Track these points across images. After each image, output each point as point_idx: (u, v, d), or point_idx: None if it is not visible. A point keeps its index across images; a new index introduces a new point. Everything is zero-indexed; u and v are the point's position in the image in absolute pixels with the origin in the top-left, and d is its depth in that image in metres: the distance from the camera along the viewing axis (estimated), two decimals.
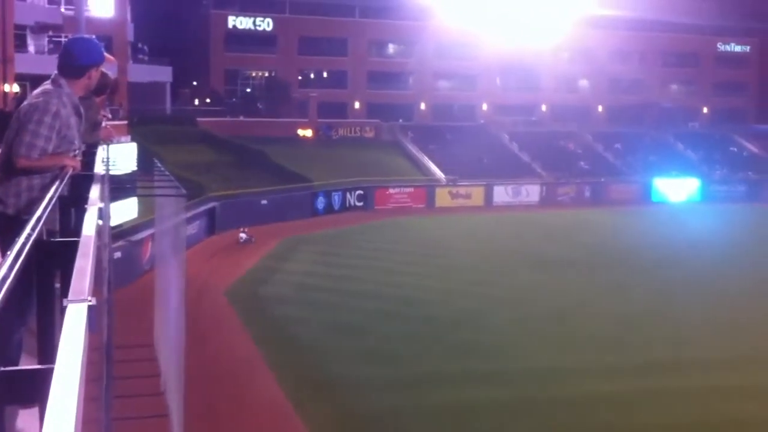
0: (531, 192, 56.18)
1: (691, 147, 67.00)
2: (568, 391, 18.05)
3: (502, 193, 55.20)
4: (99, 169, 5.85)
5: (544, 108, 73.30)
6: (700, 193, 59.71)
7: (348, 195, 49.60)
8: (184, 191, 11.06)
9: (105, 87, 7.46)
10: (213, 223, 39.09)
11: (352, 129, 62.56)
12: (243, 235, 36.96)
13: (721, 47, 79.71)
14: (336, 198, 48.59)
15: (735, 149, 69.32)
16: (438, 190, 54.14)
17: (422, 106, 70.52)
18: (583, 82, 76.29)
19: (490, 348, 21.29)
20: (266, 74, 69.05)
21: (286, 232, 39.89)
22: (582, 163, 61.49)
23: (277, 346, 21.43)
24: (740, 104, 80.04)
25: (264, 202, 43.09)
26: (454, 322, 23.85)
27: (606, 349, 21.44)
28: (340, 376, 19.01)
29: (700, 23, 77.70)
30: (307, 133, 60.30)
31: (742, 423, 16.49)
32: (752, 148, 69.54)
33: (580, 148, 64.66)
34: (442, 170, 56.31)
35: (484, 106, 71.43)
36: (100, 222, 3.96)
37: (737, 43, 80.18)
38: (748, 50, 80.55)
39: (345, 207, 48.98)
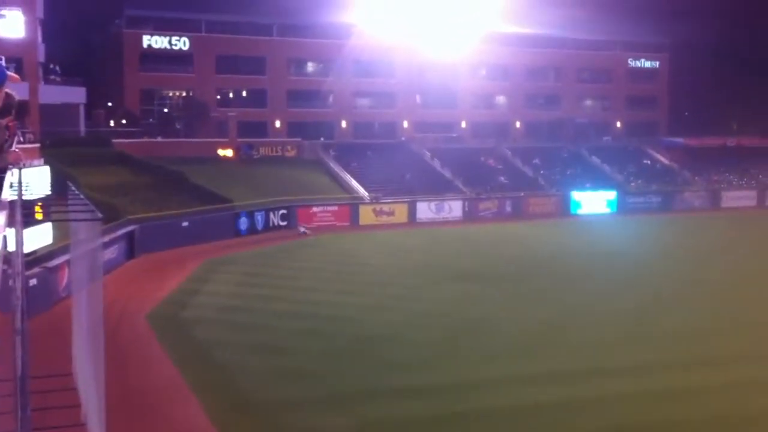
0: (454, 208, 56.70)
1: (606, 160, 68.79)
2: (492, 402, 18.25)
3: (425, 210, 55.55)
4: (7, 194, 5.61)
5: (463, 124, 74.30)
6: (617, 204, 61.28)
7: (271, 215, 49.13)
8: (99, 215, 10.75)
9: (10, 108, 7.17)
10: (132, 247, 38.19)
11: (273, 148, 62.14)
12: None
13: (632, 63, 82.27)
14: (259, 218, 48.08)
15: (648, 161, 71.49)
16: (362, 208, 54.15)
17: (343, 124, 70.65)
18: (501, 99, 77.67)
19: (415, 362, 21.34)
20: (183, 94, 68.15)
21: (208, 253, 39.31)
22: (502, 178, 62.45)
23: (201, 370, 21.01)
24: (652, 117, 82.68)
25: (185, 223, 42.35)
26: (380, 337, 23.83)
27: (528, 358, 21.76)
28: (266, 397, 18.75)
29: (612, 39, 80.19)
30: (228, 152, 59.63)
31: (660, 427, 16.88)
32: (664, 160, 71.83)
33: (499, 164, 65.70)
34: (365, 188, 56.42)
35: (405, 124, 72.00)
36: (12, 249, 3.78)
37: (647, 59, 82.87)
38: (657, 65, 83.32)
39: (268, 227, 48.49)
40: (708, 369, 20.70)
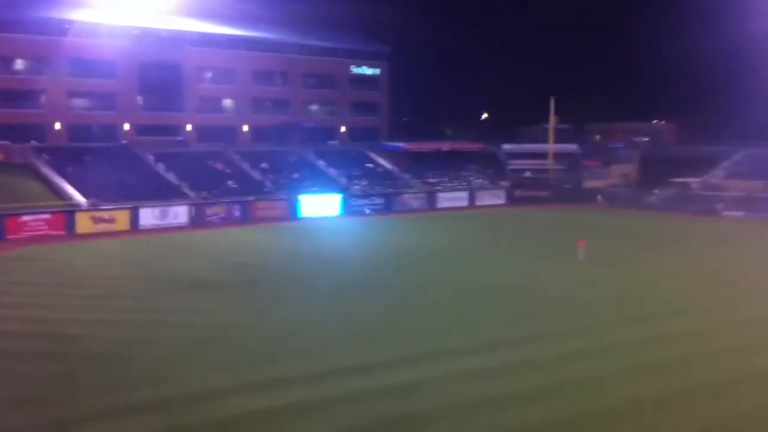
0: (179, 213, 54.99)
1: (332, 164, 70.42)
2: (221, 412, 17.75)
3: (148, 216, 53.32)
4: None
5: (189, 128, 72.37)
6: (343, 207, 62.81)
7: None
8: None
9: None
10: None
11: None
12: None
13: (355, 70, 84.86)
14: None
15: (371, 165, 74.14)
16: (78, 216, 50.79)
17: (57, 126, 65.85)
18: (228, 102, 76.68)
19: (145, 378, 20.24)
20: None
21: None
22: (230, 182, 61.65)
23: None
24: (373, 123, 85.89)
25: None
26: (107, 354, 22.26)
27: (264, 365, 21.44)
28: None
29: (336, 47, 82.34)
30: None
31: (410, 418, 17.28)
32: (385, 163, 74.88)
33: (227, 168, 64.81)
34: (83, 194, 53.04)
35: (126, 126, 68.69)
36: None
37: (368, 66, 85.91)
38: (378, 73, 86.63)
39: None
40: (437, 362, 21.55)
